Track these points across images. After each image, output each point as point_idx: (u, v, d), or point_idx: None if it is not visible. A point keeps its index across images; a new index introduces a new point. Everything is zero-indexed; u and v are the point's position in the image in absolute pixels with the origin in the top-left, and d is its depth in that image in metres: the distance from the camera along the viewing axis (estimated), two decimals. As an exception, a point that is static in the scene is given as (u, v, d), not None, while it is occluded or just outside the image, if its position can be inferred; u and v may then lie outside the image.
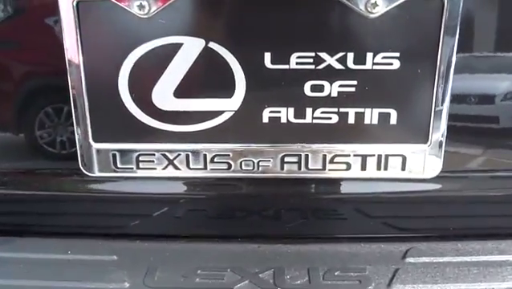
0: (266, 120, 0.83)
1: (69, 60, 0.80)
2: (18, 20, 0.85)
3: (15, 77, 0.89)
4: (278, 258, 0.80)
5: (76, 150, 0.85)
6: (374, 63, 0.79)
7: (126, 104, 0.83)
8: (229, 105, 0.82)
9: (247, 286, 0.72)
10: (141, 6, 0.77)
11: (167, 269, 0.76)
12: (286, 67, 0.79)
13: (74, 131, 0.84)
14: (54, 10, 0.79)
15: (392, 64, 0.79)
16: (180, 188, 0.91)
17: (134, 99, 0.82)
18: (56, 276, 0.78)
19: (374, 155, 0.84)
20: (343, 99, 0.81)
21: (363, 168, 0.85)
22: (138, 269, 0.76)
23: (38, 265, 0.80)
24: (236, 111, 0.82)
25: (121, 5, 0.77)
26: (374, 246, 0.84)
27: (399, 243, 0.83)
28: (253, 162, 0.85)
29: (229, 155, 0.85)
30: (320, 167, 0.85)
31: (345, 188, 0.90)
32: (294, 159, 0.85)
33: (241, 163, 0.85)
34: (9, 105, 0.90)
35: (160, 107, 0.83)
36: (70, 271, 0.78)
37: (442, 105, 0.80)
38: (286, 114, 0.82)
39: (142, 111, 0.83)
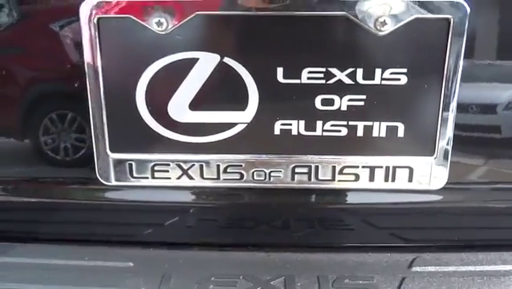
0: (277, 132, 0.91)
1: (89, 73, 0.90)
2: (42, 32, 0.93)
3: (37, 86, 0.98)
4: (289, 267, 0.88)
5: (93, 159, 0.93)
6: (382, 79, 0.88)
7: (143, 116, 0.92)
8: (242, 117, 0.91)
9: (258, 293, 0.80)
10: (159, 23, 0.86)
11: (181, 276, 0.84)
12: (297, 81, 0.89)
13: (92, 141, 0.92)
14: (76, 25, 0.87)
15: (399, 80, 0.88)
16: (194, 197, 1.00)
17: (151, 111, 0.91)
18: (75, 282, 0.86)
19: (382, 166, 0.93)
20: (352, 113, 0.90)
21: (371, 179, 0.93)
22: (154, 275, 0.83)
23: (57, 271, 0.89)
24: (249, 124, 0.91)
25: (140, 21, 0.86)
26: (381, 255, 0.92)
27: (405, 253, 0.91)
28: (265, 173, 0.94)
29: (241, 165, 0.93)
30: (330, 178, 0.94)
31: (353, 198, 0.99)
32: (305, 170, 0.93)
33: (253, 173, 0.94)
34: (25, 113, 0.99)
35: (175, 119, 0.92)
36: (88, 277, 0.86)
37: (448, 119, 0.90)
38: (297, 126, 0.91)
39: (158, 122, 0.92)
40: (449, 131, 0.90)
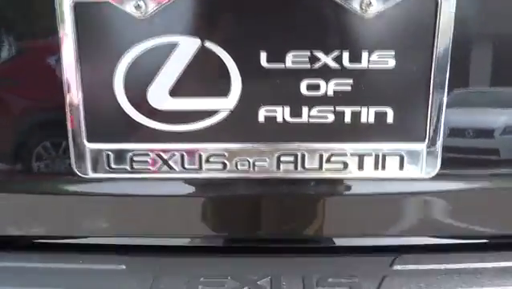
0: (261, 119, 0.91)
1: (65, 60, 0.89)
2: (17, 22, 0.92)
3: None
4: (275, 267, 0.91)
5: (69, 150, 0.91)
6: (369, 62, 0.87)
7: (121, 104, 0.91)
8: (224, 104, 0.90)
9: (246, 292, 0.85)
10: (138, 7, 0.86)
11: (172, 277, 0.88)
12: (281, 65, 0.88)
13: (68, 131, 0.90)
14: (51, 11, 0.86)
15: (387, 63, 0.88)
16: (175, 189, 0.98)
17: (129, 99, 0.91)
18: (67, 285, 0.89)
19: (371, 154, 0.92)
20: (339, 98, 0.90)
21: (361, 167, 0.92)
22: (145, 277, 0.87)
23: (51, 274, 0.91)
24: (231, 111, 0.91)
25: (118, 5, 0.86)
26: (364, 255, 0.96)
27: (387, 252, 0.94)
28: (249, 162, 0.92)
29: (224, 155, 0.92)
30: (317, 166, 0.93)
31: (342, 189, 0.98)
32: (291, 158, 0.92)
33: (236, 163, 0.93)
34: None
35: (155, 106, 0.91)
36: (81, 280, 0.90)
37: (439, 103, 0.89)
38: (282, 113, 0.91)
39: (137, 110, 0.92)
40: (441, 114, 0.89)
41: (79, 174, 0.94)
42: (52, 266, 0.94)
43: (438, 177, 0.93)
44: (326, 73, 0.88)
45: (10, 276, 0.93)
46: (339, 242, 1.01)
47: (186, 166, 0.94)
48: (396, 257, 0.91)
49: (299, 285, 0.85)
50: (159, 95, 0.90)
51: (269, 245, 1.01)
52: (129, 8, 0.86)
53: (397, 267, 0.89)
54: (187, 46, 0.88)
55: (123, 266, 0.92)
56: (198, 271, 0.90)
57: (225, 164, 0.93)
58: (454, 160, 0.95)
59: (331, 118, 0.90)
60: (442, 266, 0.90)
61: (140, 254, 0.97)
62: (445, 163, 0.92)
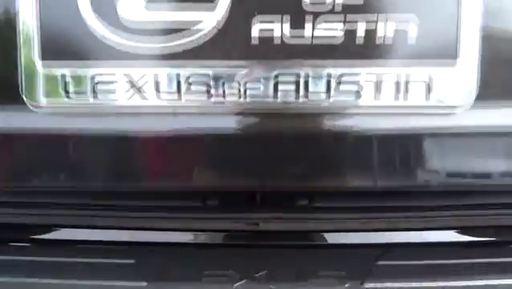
0: (255, 35, 0.76)
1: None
2: None
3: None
4: (271, 261, 0.96)
5: (17, 73, 0.75)
6: (386, -38, 0.72)
7: (85, 16, 0.77)
8: (210, 17, 0.76)
9: (245, 284, 0.89)
10: None
11: (177, 270, 0.94)
12: (279, -33, 0.73)
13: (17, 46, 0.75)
14: None
15: (407, -37, 0.72)
16: (148, 124, 0.79)
17: (95, 11, 0.77)
18: (77, 277, 0.90)
19: (389, 78, 0.74)
20: (349, 8, 0.74)
21: (377, 94, 0.75)
22: (152, 269, 0.93)
23: (59, 267, 0.93)
24: (218, 24, 0.76)
25: None
26: (353, 249, 1.03)
27: (373, 248, 0.98)
28: (239, 86, 0.75)
29: (208, 76, 0.75)
30: (323, 93, 0.75)
31: (354, 122, 0.78)
32: (291, 82, 0.75)
33: (223, 88, 0.75)
34: None
35: (126, 19, 0.77)
36: (92, 272, 0.92)
37: (473, 11, 0.72)
38: (280, 28, 0.76)
39: (104, 24, 0.78)
40: (476, 27, 0.73)
41: (28, 103, 0.78)
42: (60, 259, 0.95)
43: (475, 107, 0.75)
44: (334, -23, 0.74)
45: (18, 269, 0.92)
46: (330, 238, 1.01)
47: (162, 93, 0.77)
48: (382, 253, 0.94)
49: (293, 277, 0.92)
50: (132, 6, 0.75)
51: (266, 242, 1.01)
52: None
53: (383, 262, 0.93)
54: None
55: (132, 261, 0.93)
56: (202, 265, 0.94)
57: (208, 91, 0.77)
58: (496, 86, 0.77)
59: (339, 33, 0.75)
60: (427, 262, 0.93)
61: (147, 248, 0.98)
62: (484, 89, 0.75)
